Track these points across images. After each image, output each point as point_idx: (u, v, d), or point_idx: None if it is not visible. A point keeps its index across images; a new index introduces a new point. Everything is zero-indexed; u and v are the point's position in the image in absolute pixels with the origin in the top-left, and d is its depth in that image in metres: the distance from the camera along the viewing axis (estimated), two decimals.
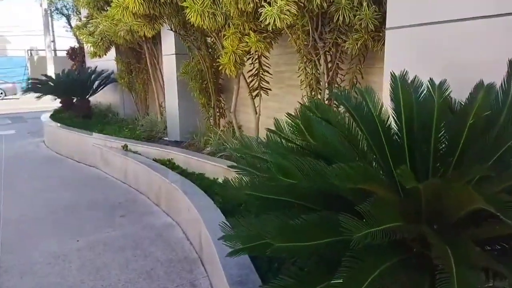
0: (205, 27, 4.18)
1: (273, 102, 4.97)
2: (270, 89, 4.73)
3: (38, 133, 8.85)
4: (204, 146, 5.36)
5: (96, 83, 8.80)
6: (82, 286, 2.78)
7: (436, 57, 2.32)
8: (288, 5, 3.06)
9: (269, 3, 3.20)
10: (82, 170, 6.15)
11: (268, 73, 4.68)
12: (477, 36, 2.12)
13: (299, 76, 4.08)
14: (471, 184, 1.38)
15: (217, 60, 4.47)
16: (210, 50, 5.38)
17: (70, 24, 16.67)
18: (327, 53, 3.73)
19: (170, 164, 4.91)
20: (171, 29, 5.36)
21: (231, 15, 3.81)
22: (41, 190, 5.06)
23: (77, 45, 13.02)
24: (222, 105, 5.82)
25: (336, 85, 3.82)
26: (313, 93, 3.91)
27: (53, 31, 20.81)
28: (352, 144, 1.75)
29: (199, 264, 3.05)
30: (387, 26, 2.57)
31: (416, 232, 1.41)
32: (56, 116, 8.83)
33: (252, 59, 4.56)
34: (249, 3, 3.42)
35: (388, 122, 1.78)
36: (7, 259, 3.20)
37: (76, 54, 12.51)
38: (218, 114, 5.74)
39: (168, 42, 6.17)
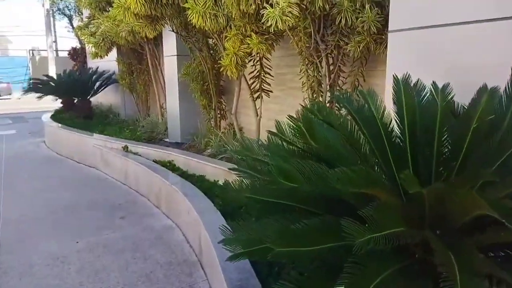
0: (206, 29, 4.17)
1: (274, 104, 4.95)
2: (271, 91, 4.72)
3: (39, 133, 8.85)
4: (204, 148, 5.34)
5: (97, 83, 8.81)
6: None
7: (438, 60, 2.30)
8: (290, 7, 3.05)
9: (271, 5, 3.18)
10: (82, 171, 6.14)
11: (270, 75, 4.66)
12: (480, 39, 2.11)
13: (300, 78, 4.06)
14: (475, 189, 1.36)
15: (219, 61, 4.45)
16: (211, 51, 5.36)
17: (72, 25, 16.66)
18: (329, 55, 3.71)
19: (170, 166, 4.89)
20: (173, 30, 5.35)
21: (233, 16, 3.80)
22: (41, 190, 5.05)
23: (78, 46, 13.00)
24: (223, 106, 5.80)
25: (338, 88, 3.80)
26: (314, 95, 3.89)
27: (55, 32, 20.81)
28: (354, 147, 1.73)
29: (198, 267, 3.03)
30: (389, 28, 2.55)
31: (419, 238, 1.39)
32: (57, 116, 8.85)
33: (254, 61, 4.54)
34: (251, 4, 3.41)
35: (391, 126, 1.76)
36: (6, 259, 3.18)
37: (77, 54, 12.49)
38: (219, 115, 5.72)
39: (170, 43, 6.16)
